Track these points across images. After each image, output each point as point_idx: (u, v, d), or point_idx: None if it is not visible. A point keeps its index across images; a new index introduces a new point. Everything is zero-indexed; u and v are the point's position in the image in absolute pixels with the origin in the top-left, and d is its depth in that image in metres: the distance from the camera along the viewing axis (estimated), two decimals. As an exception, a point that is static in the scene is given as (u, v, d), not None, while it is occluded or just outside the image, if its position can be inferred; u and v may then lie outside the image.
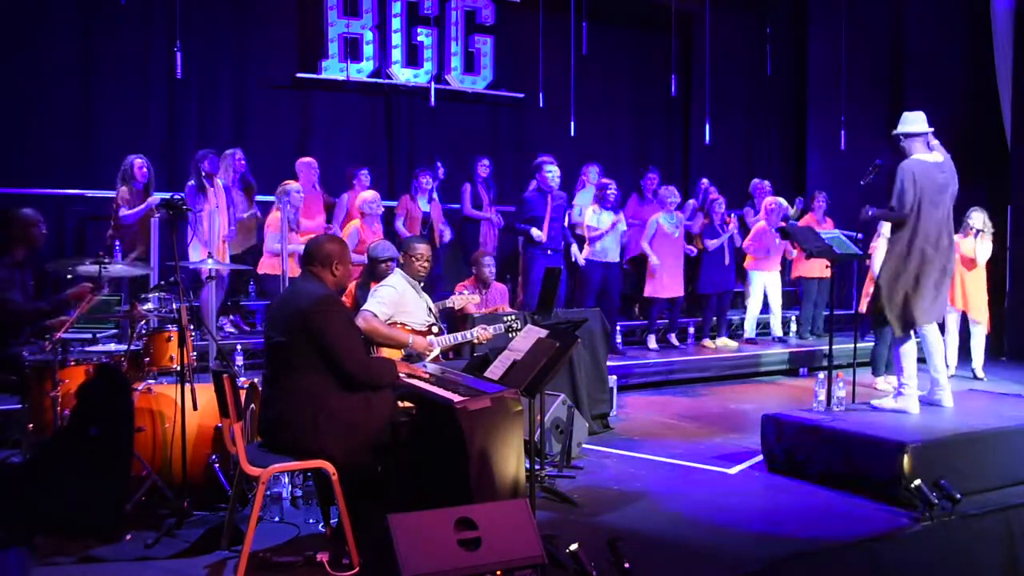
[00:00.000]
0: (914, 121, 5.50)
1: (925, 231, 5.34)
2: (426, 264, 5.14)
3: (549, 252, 8.03)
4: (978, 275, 8.09)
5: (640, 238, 9.07)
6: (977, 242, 7.94)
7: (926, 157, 5.44)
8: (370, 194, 7.64)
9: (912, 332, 5.47)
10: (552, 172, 8.11)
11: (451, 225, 8.84)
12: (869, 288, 7.50)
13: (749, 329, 9.32)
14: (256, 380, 4.59)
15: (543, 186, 8.12)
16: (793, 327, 10.01)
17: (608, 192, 8.39)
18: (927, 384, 5.63)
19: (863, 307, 7.30)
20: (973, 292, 8.07)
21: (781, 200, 9.44)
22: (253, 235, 8.13)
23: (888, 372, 7.46)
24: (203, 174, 7.38)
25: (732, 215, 9.32)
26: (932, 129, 5.51)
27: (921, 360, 5.50)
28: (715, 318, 9.28)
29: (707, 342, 9.21)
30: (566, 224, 8.45)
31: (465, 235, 8.95)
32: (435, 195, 8.64)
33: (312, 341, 3.72)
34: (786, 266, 9.80)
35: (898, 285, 5.39)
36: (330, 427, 3.71)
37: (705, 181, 9.98)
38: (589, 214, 8.42)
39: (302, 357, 3.74)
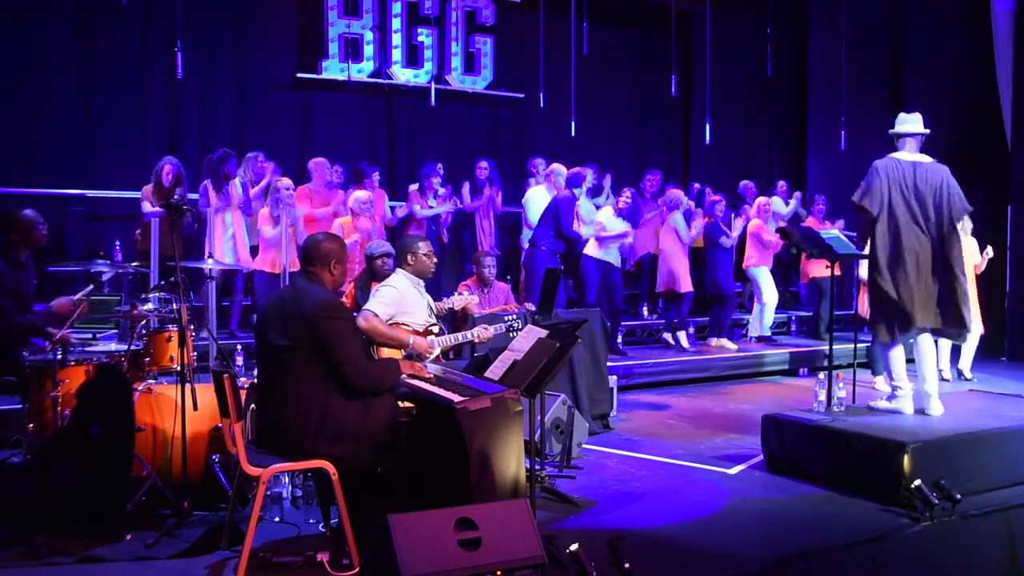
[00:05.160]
0: (908, 122, 5.46)
1: (896, 227, 5.22)
2: (433, 259, 5.16)
3: (554, 252, 8.06)
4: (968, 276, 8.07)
5: (639, 237, 9.15)
6: None
7: (903, 156, 5.38)
8: (364, 194, 7.60)
9: (897, 337, 5.33)
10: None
11: (449, 229, 8.85)
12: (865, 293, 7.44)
13: (766, 327, 9.26)
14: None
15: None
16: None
17: (622, 199, 8.44)
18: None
19: (862, 310, 7.22)
20: None
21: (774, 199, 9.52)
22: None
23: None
24: (221, 175, 7.42)
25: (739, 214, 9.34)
26: (928, 131, 5.47)
27: (910, 361, 5.44)
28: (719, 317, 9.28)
29: (713, 341, 9.19)
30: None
31: (462, 236, 8.93)
32: (441, 193, 8.65)
33: (317, 348, 3.70)
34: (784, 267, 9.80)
35: (882, 287, 5.24)
36: (331, 431, 3.70)
37: (698, 185, 10.05)
38: (605, 214, 8.42)
39: (304, 362, 3.71)
